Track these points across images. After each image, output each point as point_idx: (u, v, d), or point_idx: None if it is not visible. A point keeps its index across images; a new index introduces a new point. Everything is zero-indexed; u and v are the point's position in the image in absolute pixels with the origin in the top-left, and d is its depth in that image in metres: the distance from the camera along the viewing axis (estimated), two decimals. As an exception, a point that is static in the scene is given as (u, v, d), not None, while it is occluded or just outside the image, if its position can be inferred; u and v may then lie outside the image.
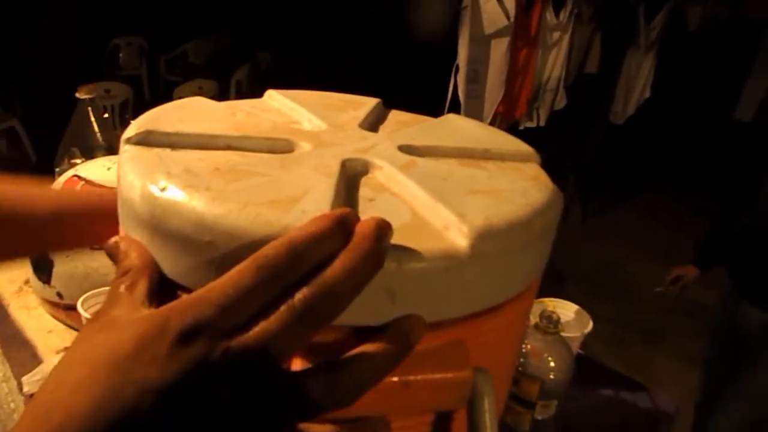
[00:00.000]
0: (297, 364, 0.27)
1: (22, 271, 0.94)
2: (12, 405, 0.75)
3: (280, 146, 0.36)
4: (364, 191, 0.32)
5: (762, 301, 1.39)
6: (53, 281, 0.84)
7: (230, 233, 0.26)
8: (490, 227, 0.29)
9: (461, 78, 2.58)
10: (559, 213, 0.35)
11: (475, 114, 2.63)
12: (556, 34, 2.88)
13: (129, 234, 0.31)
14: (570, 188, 3.40)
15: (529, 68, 2.82)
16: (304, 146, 0.36)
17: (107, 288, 0.27)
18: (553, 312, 0.71)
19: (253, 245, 0.26)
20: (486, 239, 0.28)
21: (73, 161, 1.02)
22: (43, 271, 0.85)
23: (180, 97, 0.45)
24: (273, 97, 0.46)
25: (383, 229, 0.24)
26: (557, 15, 2.84)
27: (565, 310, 0.88)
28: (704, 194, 2.92)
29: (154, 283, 0.27)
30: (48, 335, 0.85)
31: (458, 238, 0.28)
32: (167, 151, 0.33)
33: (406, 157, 0.36)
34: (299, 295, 0.22)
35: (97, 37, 3.96)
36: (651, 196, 4.28)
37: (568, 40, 2.93)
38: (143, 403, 0.20)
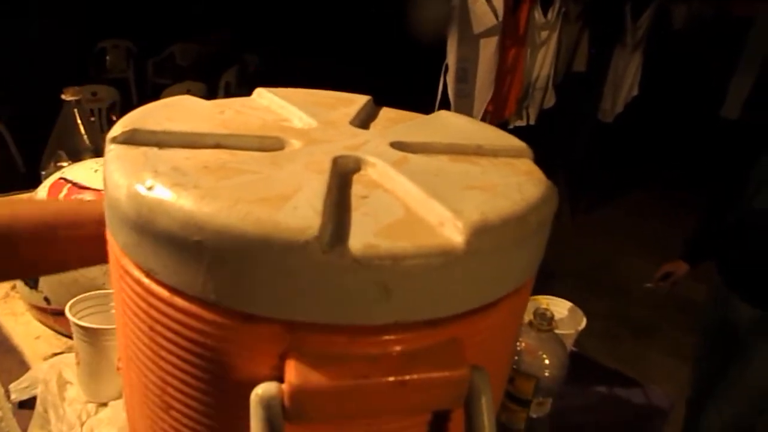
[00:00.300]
0: (292, 366, 0.26)
1: (9, 276, 0.93)
2: (-1, 413, 0.74)
3: (270, 144, 0.35)
4: (356, 188, 0.31)
5: (751, 296, 1.40)
6: (40, 286, 0.82)
7: (220, 232, 0.25)
8: (485, 223, 0.28)
9: (450, 77, 2.58)
10: (554, 208, 0.35)
11: (465, 113, 2.61)
12: (544, 33, 2.89)
13: (116, 235, 0.30)
14: (560, 186, 3.42)
15: (518, 67, 2.82)
16: (295, 144, 0.36)
17: (95, 292, 0.26)
18: (546, 309, 0.71)
19: (243, 244, 0.25)
20: (482, 235, 0.28)
21: (59, 164, 1.01)
22: (30, 276, 0.83)
23: (167, 97, 0.44)
24: (262, 95, 0.45)
25: None
26: (545, 14, 2.85)
27: (559, 307, 0.88)
28: (692, 190, 2.95)
29: None
30: (35, 341, 0.84)
31: (454, 234, 0.28)
32: (154, 149, 0.32)
33: (399, 154, 0.36)
34: None
35: (84, 40, 3.92)
36: (639, 193, 4.32)
37: (557, 38, 2.94)
38: None
